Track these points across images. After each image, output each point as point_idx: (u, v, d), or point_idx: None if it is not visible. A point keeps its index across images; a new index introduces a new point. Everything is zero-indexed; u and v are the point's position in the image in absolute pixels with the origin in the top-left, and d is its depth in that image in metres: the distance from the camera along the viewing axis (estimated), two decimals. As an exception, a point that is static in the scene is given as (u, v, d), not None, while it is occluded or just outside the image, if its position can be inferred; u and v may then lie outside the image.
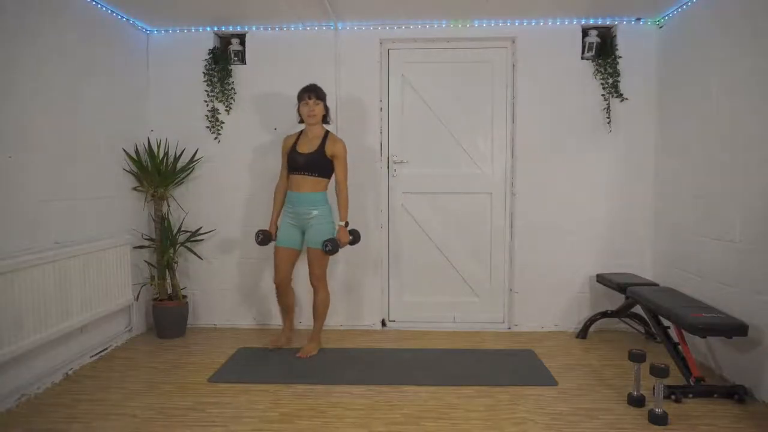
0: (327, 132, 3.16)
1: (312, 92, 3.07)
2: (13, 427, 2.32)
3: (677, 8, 3.34)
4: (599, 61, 3.58)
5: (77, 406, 2.53)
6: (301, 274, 3.44)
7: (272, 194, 3.32)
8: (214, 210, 3.80)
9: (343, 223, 3.14)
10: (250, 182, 3.76)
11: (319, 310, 3.23)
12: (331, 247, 3.06)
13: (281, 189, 3.25)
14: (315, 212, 3.10)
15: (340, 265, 3.76)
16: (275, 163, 3.41)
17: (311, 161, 3.08)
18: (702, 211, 3.07)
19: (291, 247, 3.16)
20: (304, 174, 3.09)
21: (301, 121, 3.18)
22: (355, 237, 3.24)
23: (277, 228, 3.27)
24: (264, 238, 3.21)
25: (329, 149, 3.10)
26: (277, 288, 3.22)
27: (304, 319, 3.72)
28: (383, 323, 3.85)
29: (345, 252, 3.70)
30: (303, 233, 3.16)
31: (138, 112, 3.68)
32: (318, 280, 3.17)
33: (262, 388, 2.72)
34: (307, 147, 3.11)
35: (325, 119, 3.18)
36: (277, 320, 3.67)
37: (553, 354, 3.25)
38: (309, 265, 3.16)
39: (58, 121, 2.88)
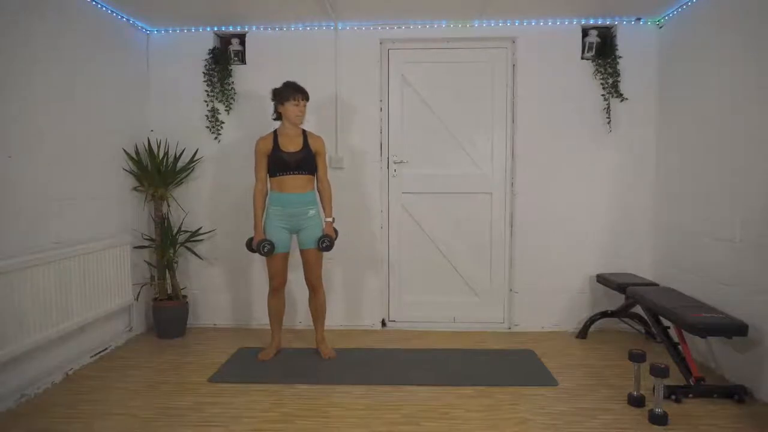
0: (303, 130, 3.13)
1: (303, 93, 3.04)
2: (13, 427, 2.32)
3: (677, 8, 3.34)
4: (599, 61, 3.58)
5: (77, 406, 2.53)
6: (296, 275, 3.42)
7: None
8: (215, 210, 3.80)
9: (330, 219, 3.14)
10: (250, 182, 3.73)
11: (323, 311, 3.23)
12: (328, 243, 3.06)
13: (263, 193, 3.11)
14: (312, 212, 3.10)
15: (340, 265, 3.76)
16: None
17: (302, 159, 3.04)
18: (702, 211, 3.07)
19: (286, 251, 3.12)
20: (295, 173, 3.04)
21: (277, 119, 3.11)
22: (336, 234, 3.21)
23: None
24: (271, 247, 3.01)
25: (313, 146, 3.08)
26: (277, 293, 3.17)
27: (303, 320, 3.73)
28: (383, 323, 3.85)
29: (345, 252, 3.70)
30: (290, 235, 3.13)
31: (138, 112, 3.68)
32: (318, 280, 3.16)
33: (262, 388, 2.72)
34: (292, 146, 3.05)
35: None
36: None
37: (553, 354, 3.24)
38: (309, 266, 3.12)
39: (58, 121, 2.88)
